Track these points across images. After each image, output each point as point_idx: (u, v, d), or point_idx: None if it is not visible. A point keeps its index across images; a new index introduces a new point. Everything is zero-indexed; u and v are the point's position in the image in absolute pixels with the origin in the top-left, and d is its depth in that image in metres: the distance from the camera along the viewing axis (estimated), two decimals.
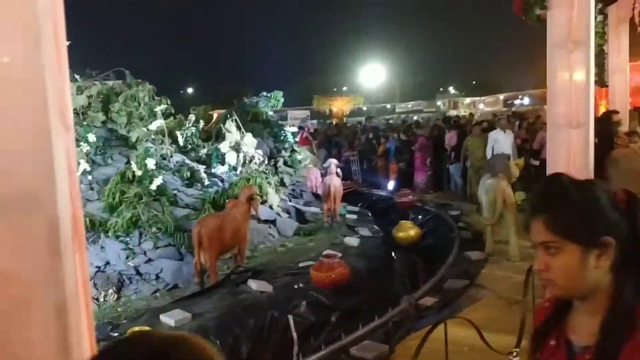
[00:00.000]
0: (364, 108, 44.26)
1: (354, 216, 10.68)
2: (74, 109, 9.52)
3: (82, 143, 8.38)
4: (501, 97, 41.55)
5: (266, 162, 10.21)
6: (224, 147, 9.45)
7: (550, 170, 3.99)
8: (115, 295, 6.64)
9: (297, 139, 15.79)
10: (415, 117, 38.95)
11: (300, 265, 7.58)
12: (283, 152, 12.08)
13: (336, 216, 9.75)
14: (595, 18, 8.60)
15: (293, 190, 12.18)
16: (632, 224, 1.17)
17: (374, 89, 45.37)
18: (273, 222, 9.42)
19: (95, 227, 7.52)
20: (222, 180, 9.47)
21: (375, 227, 9.96)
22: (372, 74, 43.22)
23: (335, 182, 9.58)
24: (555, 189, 1.22)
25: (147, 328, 4.91)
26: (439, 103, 46.27)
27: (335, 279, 5.89)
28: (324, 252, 6.81)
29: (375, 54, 46.41)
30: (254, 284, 6.63)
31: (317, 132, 18.44)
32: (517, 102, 39.62)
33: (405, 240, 8.00)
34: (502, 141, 10.94)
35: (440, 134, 13.41)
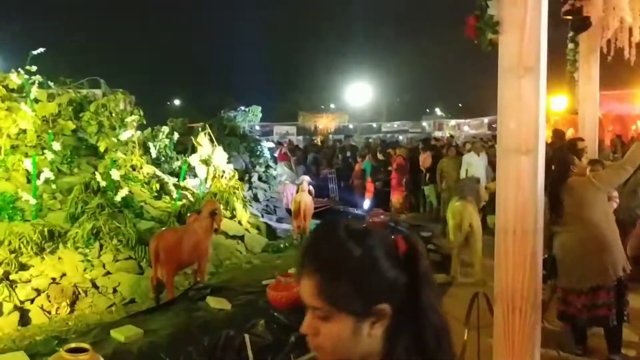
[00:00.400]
0: (351, 126, 44.34)
1: None
2: (44, 116, 9.39)
3: (46, 151, 8.23)
4: (486, 120, 41.88)
5: (236, 176, 10.10)
6: (194, 160, 9.35)
7: (499, 196, 3.95)
8: (69, 309, 6.46)
9: (276, 155, 15.74)
10: (400, 137, 39.18)
11: (264, 283, 7.43)
12: (258, 167, 11.98)
13: (306, 233, 9.65)
14: (567, 46, 8.71)
15: (267, 205, 12.10)
16: (410, 276, 1.06)
17: (361, 107, 45.53)
18: (241, 237, 9.31)
19: (54, 238, 7.36)
20: (194, 194, 9.34)
21: None
22: (360, 93, 43.43)
23: (306, 200, 9.49)
24: (331, 246, 1.05)
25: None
26: (424, 124, 46.55)
27: (293, 299, 5.76)
28: (289, 271, 6.68)
29: (364, 73, 46.65)
30: (212, 301, 6.49)
31: (297, 149, 18.38)
32: None
33: None
34: (475, 164, 10.94)
35: (417, 155, 13.41)
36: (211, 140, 10.18)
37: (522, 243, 3.80)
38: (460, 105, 54.82)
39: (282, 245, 9.62)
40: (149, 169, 10.01)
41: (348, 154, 15.80)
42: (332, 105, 47.40)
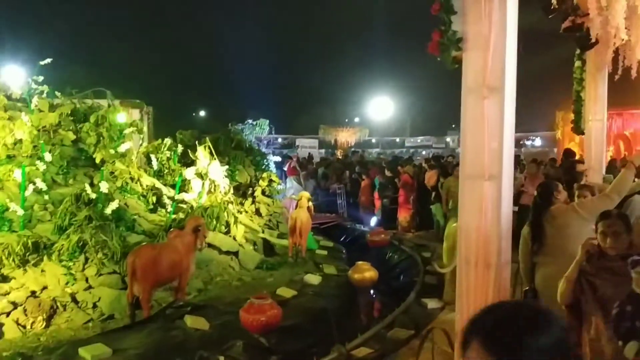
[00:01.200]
0: (373, 140, 44.13)
1: (325, 252, 10.35)
2: (44, 127, 9.42)
3: (38, 162, 8.21)
4: None
5: (231, 191, 9.94)
6: (189, 173, 9.23)
7: (460, 224, 3.69)
8: (44, 323, 6.35)
9: (285, 169, 15.60)
10: (423, 152, 38.77)
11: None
12: (262, 182, 11.82)
13: (302, 251, 9.43)
14: (574, 64, 8.37)
15: (270, 220, 11.91)
16: None
17: (385, 121, 45.28)
18: (235, 253, 9.14)
19: (39, 250, 7.29)
20: (192, 208, 9.21)
21: (344, 265, 9.63)
22: (383, 107, 43.17)
23: (302, 216, 9.28)
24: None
25: None
26: (448, 139, 45.99)
27: (265, 322, 5.55)
28: (264, 292, 6.47)
29: (387, 87, 46.40)
30: (189, 320, 6.32)
31: (310, 162, 18.20)
32: (527, 142, 39.16)
33: (360, 282, 7.61)
34: None
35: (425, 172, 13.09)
36: (211, 153, 10.06)
37: (484, 276, 3.53)
38: None
39: (276, 263, 9.40)
40: (148, 181, 9.94)
41: (357, 169, 15.54)
42: (356, 119, 47.22)
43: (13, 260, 6.83)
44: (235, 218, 9.18)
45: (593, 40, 6.21)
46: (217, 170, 9.38)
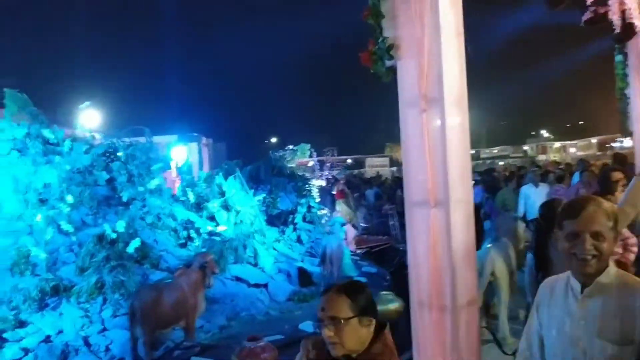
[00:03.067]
0: None
1: (364, 279, 9.82)
2: (78, 168, 9.63)
3: (60, 204, 8.34)
4: (594, 140, 38.59)
5: (257, 220, 9.65)
6: (212, 205, 9.08)
7: (409, 260, 3.17)
8: None
9: (334, 192, 15.21)
10: (500, 163, 37.12)
11: (265, 340, 6.91)
12: (300, 208, 11.52)
13: (334, 280, 8.96)
14: (615, 58, 7.47)
15: (312, 247, 11.55)
16: None
17: None
18: (265, 285, 8.84)
19: (59, 293, 7.33)
20: (216, 241, 9.05)
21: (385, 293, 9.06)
22: None
23: (333, 244, 8.84)
24: None
25: None
26: (526, 148, 43.86)
27: None
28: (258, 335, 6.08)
29: None
30: None
31: (363, 182, 17.69)
32: (616, 144, 36.60)
33: (384, 315, 7.04)
34: (533, 197, 9.72)
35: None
36: (241, 183, 9.89)
37: (439, 322, 2.98)
38: (568, 125, 51.14)
39: (309, 294, 8.99)
40: (183, 215, 9.90)
41: None
42: None
43: (29, 305, 6.88)
44: (261, 249, 8.89)
45: (618, 30, 5.48)
46: (243, 201, 9.16)
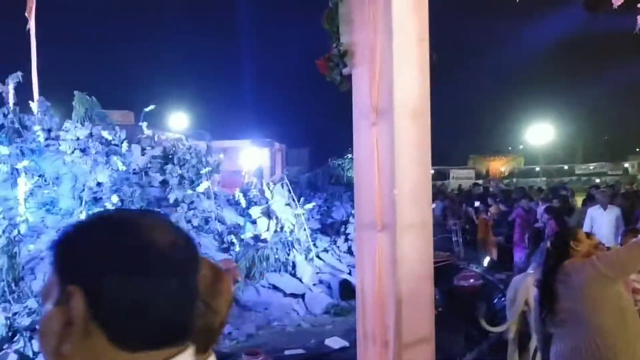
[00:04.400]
0: (537, 168, 40.81)
1: None
2: (133, 169, 9.96)
3: (107, 203, 8.62)
4: None
5: (299, 228, 9.44)
6: (254, 212, 9.04)
7: (357, 287, 2.88)
8: None
9: None
10: (597, 180, 34.78)
11: (287, 353, 6.76)
12: (352, 218, 11.26)
13: None
14: None
15: None
16: None
17: (547, 148, 41.72)
18: (302, 296, 8.67)
19: None
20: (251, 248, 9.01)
21: None
22: (543, 133, 39.79)
23: None
24: None
25: None
26: (627, 165, 40.77)
27: None
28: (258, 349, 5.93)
29: (551, 110, 42.79)
30: None
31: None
32: None
33: None
34: (599, 220, 8.93)
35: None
36: (289, 191, 9.81)
37: (382, 358, 2.68)
38: None
39: (348, 307, 8.72)
40: (232, 219, 9.98)
41: (477, 204, 14.15)
42: (509, 148, 44.27)
43: None
44: (300, 258, 8.74)
45: None
46: (284, 209, 9.06)
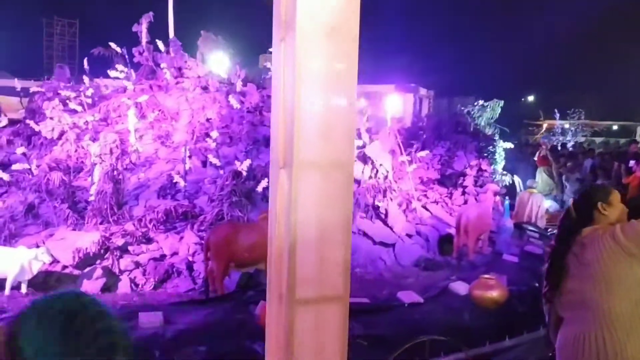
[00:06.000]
0: None
1: (515, 259, 8.47)
2: (247, 108, 10.18)
3: (208, 139, 8.89)
4: None
5: (390, 175, 8.84)
6: None
7: (269, 229, 2.51)
8: (154, 285, 6.91)
9: (535, 158, 13.38)
10: None
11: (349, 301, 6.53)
12: (469, 170, 10.43)
13: (469, 254, 7.94)
14: None
15: None
16: None
17: None
18: (393, 245, 8.29)
19: (187, 219, 7.94)
20: None
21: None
22: None
23: (469, 213, 7.80)
24: None
25: None
26: None
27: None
28: None
29: None
30: (260, 308, 5.99)
31: (578, 152, 15.16)
32: None
33: (483, 302, 5.94)
34: None
35: None
36: (395, 136, 9.31)
37: (278, 314, 2.35)
38: None
39: (439, 262, 8.17)
40: None
41: (631, 163, 12.16)
42: None
43: (154, 226, 7.61)
44: (392, 207, 8.30)
45: None
46: (378, 153, 8.59)
